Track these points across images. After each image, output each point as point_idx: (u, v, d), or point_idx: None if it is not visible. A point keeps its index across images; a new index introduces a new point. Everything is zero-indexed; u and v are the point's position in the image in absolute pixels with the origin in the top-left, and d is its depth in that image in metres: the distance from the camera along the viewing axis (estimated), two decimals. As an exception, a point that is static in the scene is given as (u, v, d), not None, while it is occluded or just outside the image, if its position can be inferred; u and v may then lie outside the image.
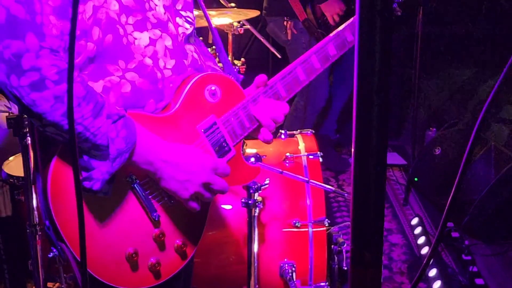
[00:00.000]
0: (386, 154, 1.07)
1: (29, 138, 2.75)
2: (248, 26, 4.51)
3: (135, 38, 1.82)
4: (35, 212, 2.88)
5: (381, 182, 1.07)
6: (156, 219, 1.87)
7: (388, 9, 0.98)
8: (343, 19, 5.00)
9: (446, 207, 1.24)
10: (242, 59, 4.31)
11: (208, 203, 2.02)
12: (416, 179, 5.04)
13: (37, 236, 2.91)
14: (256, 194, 2.52)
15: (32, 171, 2.79)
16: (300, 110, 5.32)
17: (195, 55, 2.04)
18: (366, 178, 1.07)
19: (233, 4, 4.47)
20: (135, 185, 1.84)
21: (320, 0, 4.97)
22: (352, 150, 1.07)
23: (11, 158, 3.39)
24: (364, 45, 1.01)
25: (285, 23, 5.08)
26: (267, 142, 2.13)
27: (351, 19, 2.16)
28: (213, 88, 2.00)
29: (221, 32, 4.20)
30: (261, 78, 2.11)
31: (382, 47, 1.00)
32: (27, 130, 2.74)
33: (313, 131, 3.55)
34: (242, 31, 4.37)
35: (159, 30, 1.88)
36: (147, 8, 1.85)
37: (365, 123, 1.04)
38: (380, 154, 1.06)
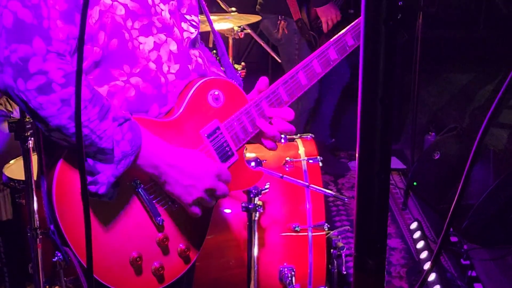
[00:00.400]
0: (390, 162, 1.08)
1: (30, 142, 2.75)
2: (249, 30, 4.52)
3: (140, 43, 1.83)
4: (36, 216, 2.89)
5: (384, 189, 1.08)
6: (160, 223, 1.88)
7: (393, 18, 0.99)
8: (336, 26, 5.00)
9: (448, 218, 1.25)
10: (243, 63, 4.32)
11: (212, 208, 2.03)
12: (415, 183, 5.05)
13: (37, 239, 2.91)
14: (256, 199, 2.53)
15: (33, 175, 2.80)
16: (297, 115, 5.30)
17: (200, 60, 2.05)
18: (370, 185, 1.07)
19: (233, 9, 4.48)
20: (140, 190, 1.85)
21: (318, 4, 4.97)
22: (356, 157, 1.07)
23: (11, 162, 3.40)
24: (369, 54, 1.01)
25: (278, 21, 5.07)
26: (271, 149, 2.16)
27: (352, 23, 2.17)
28: (216, 93, 2.01)
29: (222, 37, 4.21)
30: (263, 81, 2.12)
31: (386, 56, 1.00)
32: (29, 134, 2.75)
33: (313, 135, 3.55)
34: (242, 35, 4.38)
35: (164, 34, 1.89)
36: (153, 13, 1.86)
37: (369, 131, 1.05)
38: (384, 161, 1.06)
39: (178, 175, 1.84)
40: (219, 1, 4.50)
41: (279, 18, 5.06)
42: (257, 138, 2.15)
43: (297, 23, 5.00)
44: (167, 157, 1.82)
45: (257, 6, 5.19)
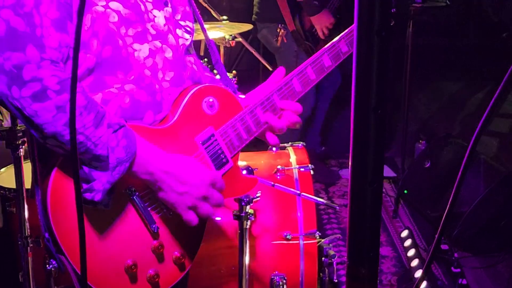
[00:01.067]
0: (382, 171, 1.08)
1: (21, 150, 2.75)
2: (240, 39, 4.52)
3: (135, 50, 1.83)
4: (27, 224, 2.88)
5: (377, 198, 1.08)
6: (155, 231, 1.88)
7: (386, 28, 0.99)
8: (332, 32, 5.03)
9: (440, 227, 1.25)
10: (234, 71, 4.32)
11: None
12: (406, 191, 5.05)
13: (28, 248, 2.90)
14: (248, 207, 2.53)
15: (24, 183, 2.79)
16: None
17: (195, 67, 2.05)
18: (363, 195, 1.08)
19: (225, 17, 4.49)
20: (134, 197, 1.85)
21: (311, 13, 4.99)
22: (349, 166, 1.08)
23: (2, 170, 3.39)
24: (362, 64, 1.02)
25: (278, 29, 5.08)
26: (274, 145, 2.23)
27: (346, 30, 2.18)
28: (210, 100, 2.01)
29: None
30: (280, 71, 2.18)
31: (379, 66, 1.01)
32: (20, 142, 2.74)
33: (304, 144, 3.55)
34: (234, 44, 4.38)
35: (159, 41, 1.89)
36: (146, 20, 1.86)
37: (362, 140, 1.05)
38: (377, 170, 1.07)
39: (172, 182, 1.84)
40: (211, 10, 4.50)
41: (279, 26, 5.07)
42: (261, 134, 2.17)
43: (292, 34, 5.02)
44: (162, 164, 1.82)
45: (254, 16, 5.21)
